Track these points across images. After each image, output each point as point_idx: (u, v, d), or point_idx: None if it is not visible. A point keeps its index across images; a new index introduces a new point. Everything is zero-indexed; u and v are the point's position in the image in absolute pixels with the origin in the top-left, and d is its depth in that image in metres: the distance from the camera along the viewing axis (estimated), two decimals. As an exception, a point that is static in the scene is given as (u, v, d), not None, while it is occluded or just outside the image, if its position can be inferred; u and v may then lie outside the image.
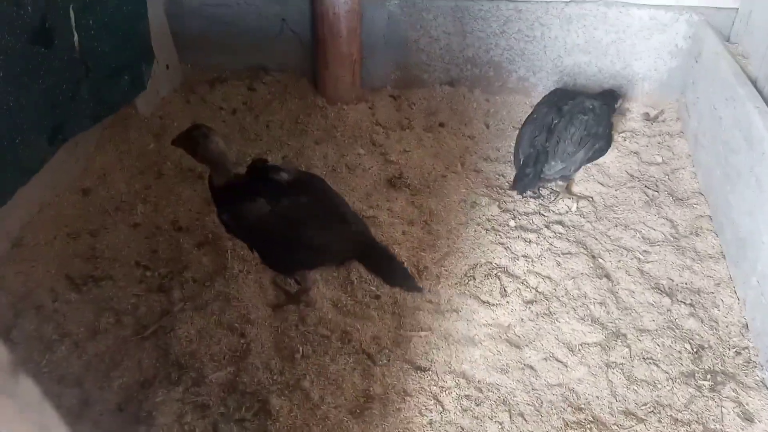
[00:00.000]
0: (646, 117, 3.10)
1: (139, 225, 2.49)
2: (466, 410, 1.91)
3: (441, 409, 1.91)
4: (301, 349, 2.05)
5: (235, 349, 2.04)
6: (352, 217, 2.07)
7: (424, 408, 1.91)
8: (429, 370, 2.02)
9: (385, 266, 2.04)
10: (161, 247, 2.39)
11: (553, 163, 2.51)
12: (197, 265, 2.31)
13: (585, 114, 2.56)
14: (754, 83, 2.46)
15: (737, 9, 2.82)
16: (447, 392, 1.96)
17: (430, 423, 1.88)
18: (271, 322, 2.13)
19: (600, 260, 2.40)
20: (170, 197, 2.60)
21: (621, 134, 2.99)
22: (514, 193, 2.66)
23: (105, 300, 2.19)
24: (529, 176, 2.50)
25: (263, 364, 1.99)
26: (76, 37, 2.39)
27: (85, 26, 2.42)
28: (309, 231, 1.95)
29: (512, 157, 2.73)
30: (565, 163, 2.52)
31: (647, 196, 2.67)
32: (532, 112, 2.71)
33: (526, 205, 2.63)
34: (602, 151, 2.65)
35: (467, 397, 1.95)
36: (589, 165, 2.77)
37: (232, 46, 3.27)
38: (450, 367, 2.03)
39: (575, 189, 2.71)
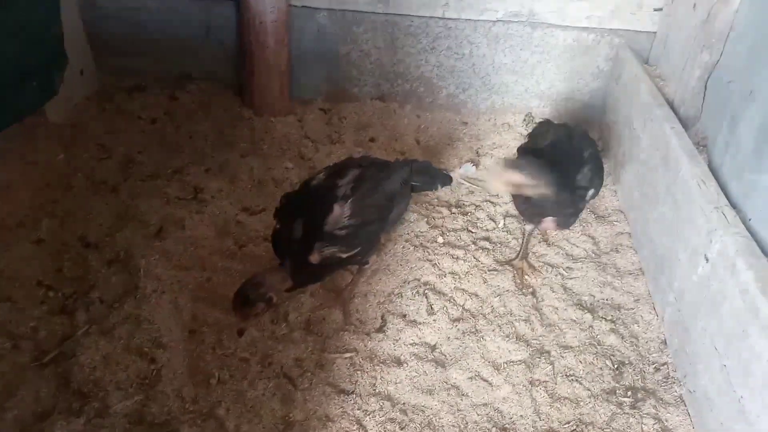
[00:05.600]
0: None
1: (43, 241, 2.31)
2: (390, 434, 1.85)
3: (364, 434, 1.84)
4: (217, 374, 1.93)
5: (144, 376, 1.90)
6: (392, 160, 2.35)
7: (346, 433, 1.84)
8: (353, 393, 1.95)
9: (437, 175, 2.48)
10: (67, 266, 2.22)
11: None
12: (106, 284, 2.15)
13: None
14: (670, 104, 2.54)
15: (655, 33, 2.93)
16: (371, 416, 1.89)
17: (353, 449, 1.81)
18: (186, 345, 2.01)
19: (525, 277, 2.40)
20: (79, 212, 2.43)
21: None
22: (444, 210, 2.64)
23: (2, 323, 2.00)
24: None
25: (174, 392, 1.86)
26: (-24, 38, 2.22)
27: (-13, 26, 2.25)
28: (384, 191, 2.12)
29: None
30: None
31: (571, 213, 2.70)
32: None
33: (454, 222, 2.61)
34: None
35: (392, 420, 1.89)
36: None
37: (153, 52, 3.12)
38: (374, 390, 1.97)
39: (500, 209, 2.72)
